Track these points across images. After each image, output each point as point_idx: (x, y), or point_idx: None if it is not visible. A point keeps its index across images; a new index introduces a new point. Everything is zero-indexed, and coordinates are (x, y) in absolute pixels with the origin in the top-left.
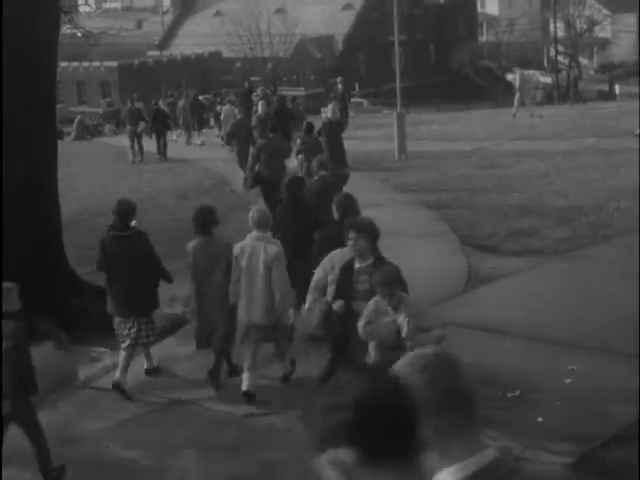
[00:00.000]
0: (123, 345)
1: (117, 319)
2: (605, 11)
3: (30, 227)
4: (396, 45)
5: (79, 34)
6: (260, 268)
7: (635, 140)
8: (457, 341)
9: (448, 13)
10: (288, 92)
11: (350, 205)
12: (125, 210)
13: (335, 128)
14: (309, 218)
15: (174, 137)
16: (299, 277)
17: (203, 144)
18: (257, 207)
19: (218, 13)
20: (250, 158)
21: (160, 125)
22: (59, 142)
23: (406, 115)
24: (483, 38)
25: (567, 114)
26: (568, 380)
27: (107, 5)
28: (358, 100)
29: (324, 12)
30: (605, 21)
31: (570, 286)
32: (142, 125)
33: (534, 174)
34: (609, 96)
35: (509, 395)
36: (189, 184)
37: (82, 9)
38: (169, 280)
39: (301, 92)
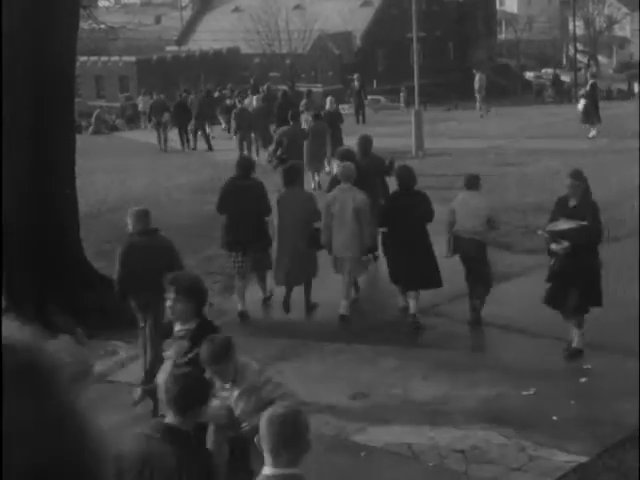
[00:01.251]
0: (238, 276)
1: (232, 254)
2: (625, 9)
3: (48, 221)
4: (414, 42)
5: (98, 28)
6: (349, 213)
7: None
8: (472, 338)
9: (467, 10)
10: (306, 88)
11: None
12: (246, 164)
13: (334, 119)
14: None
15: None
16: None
17: (213, 138)
18: (343, 163)
19: (237, 9)
20: (273, 143)
21: (182, 118)
22: (77, 136)
23: (424, 112)
24: (502, 36)
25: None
26: (583, 379)
27: (126, 0)
28: (376, 97)
29: (343, 8)
30: (624, 19)
31: None
32: (166, 116)
33: (550, 172)
34: (628, 95)
35: (524, 393)
36: (206, 179)
37: (101, 4)
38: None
39: (319, 88)
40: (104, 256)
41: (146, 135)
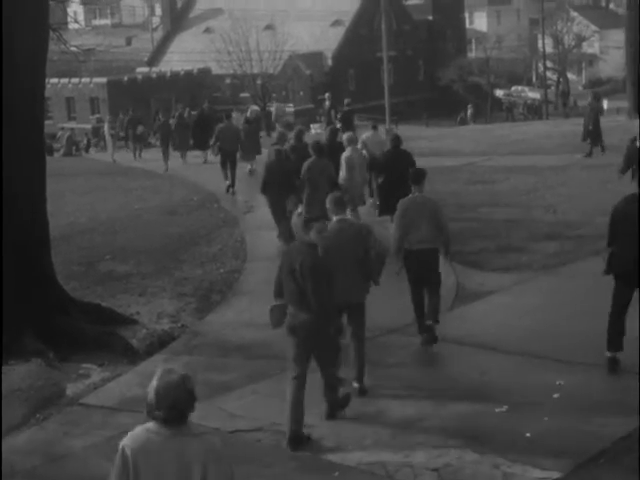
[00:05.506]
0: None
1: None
2: (593, 27)
3: (19, 243)
4: (385, 61)
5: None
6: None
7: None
8: (446, 357)
9: (437, 29)
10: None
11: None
12: (300, 132)
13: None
14: None
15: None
16: None
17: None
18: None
19: (208, 30)
20: (214, 136)
21: (164, 139)
22: (48, 158)
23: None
24: (472, 54)
25: (555, 129)
26: (556, 395)
27: (97, 22)
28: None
29: (313, 29)
30: (593, 37)
31: (558, 301)
32: (140, 129)
33: (523, 189)
34: None
35: (497, 410)
36: (178, 200)
37: (72, 26)
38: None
39: (290, 108)
40: (75, 278)
41: (117, 156)
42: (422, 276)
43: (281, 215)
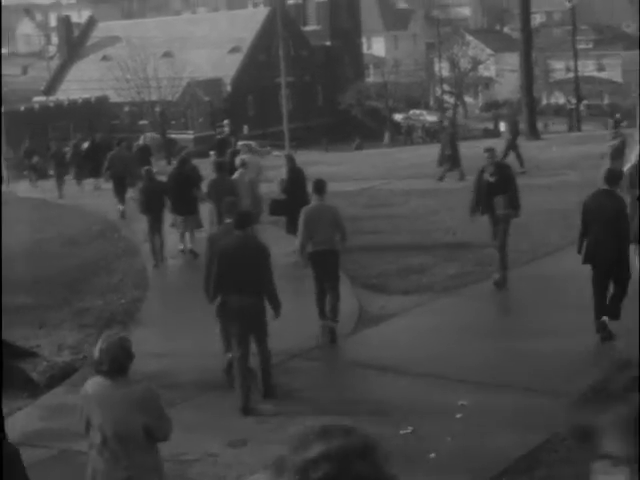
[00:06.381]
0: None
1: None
2: (488, 50)
3: None
4: (283, 87)
5: None
6: None
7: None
8: (347, 381)
9: (335, 54)
10: (177, 135)
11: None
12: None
13: (145, 152)
14: None
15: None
16: None
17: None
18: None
19: (105, 58)
20: (106, 162)
21: (60, 169)
22: None
23: (295, 156)
24: (370, 79)
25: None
26: (459, 415)
27: None
28: (247, 142)
29: (211, 55)
30: (488, 60)
31: (459, 322)
32: (35, 159)
33: (423, 212)
34: (494, 134)
35: (402, 432)
36: (77, 230)
37: None
38: None
39: (190, 135)
40: None
41: (15, 187)
42: (323, 274)
43: (155, 232)
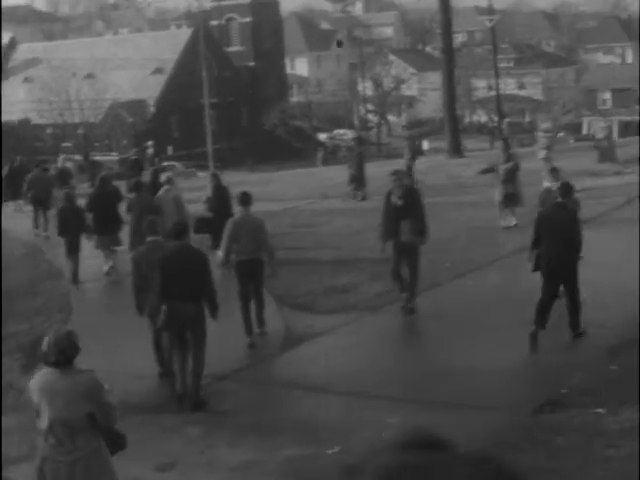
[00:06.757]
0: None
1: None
2: (411, 70)
3: None
4: (206, 107)
5: None
6: None
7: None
8: (275, 401)
9: (258, 75)
10: (101, 157)
11: None
12: (104, 179)
13: (65, 175)
14: None
15: None
16: None
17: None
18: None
19: (27, 79)
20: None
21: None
22: None
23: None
24: (294, 99)
25: (377, 170)
26: (385, 433)
27: None
28: (171, 163)
29: (134, 77)
30: (411, 79)
31: (385, 340)
32: None
33: (347, 231)
34: (418, 152)
35: (329, 452)
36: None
37: None
38: None
39: (114, 157)
40: None
41: None
42: (247, 282)
43: (74, 254)
